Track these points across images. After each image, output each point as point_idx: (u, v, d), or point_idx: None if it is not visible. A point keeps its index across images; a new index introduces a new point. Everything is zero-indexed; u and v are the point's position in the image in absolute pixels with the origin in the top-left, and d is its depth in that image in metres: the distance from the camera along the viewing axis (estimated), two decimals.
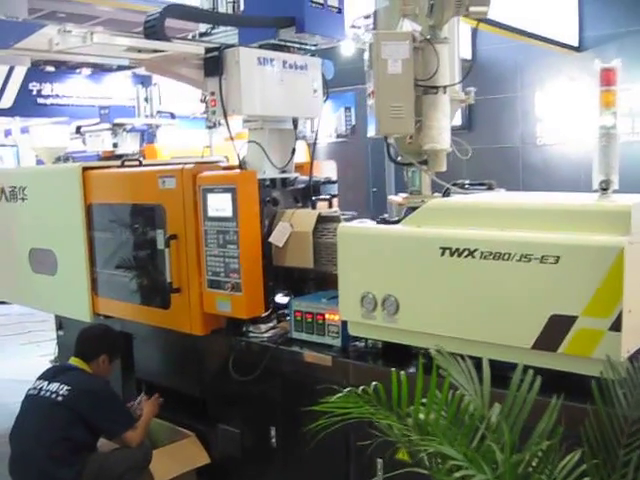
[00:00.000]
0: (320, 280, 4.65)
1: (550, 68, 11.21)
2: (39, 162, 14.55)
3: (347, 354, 3.94)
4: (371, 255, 3.64)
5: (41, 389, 4.27)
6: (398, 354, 3.78)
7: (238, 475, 4.60)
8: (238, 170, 4.43)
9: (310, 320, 4.10)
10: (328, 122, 13.51)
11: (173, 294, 4.48)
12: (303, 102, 4.59)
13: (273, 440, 4.28)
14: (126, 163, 5.22)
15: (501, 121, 12.01)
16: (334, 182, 4.91)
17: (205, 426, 4.72)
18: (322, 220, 4.35)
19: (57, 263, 5.44)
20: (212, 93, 4.27)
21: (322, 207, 4.69)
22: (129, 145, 11.32)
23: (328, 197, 4.72)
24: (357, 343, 4.02)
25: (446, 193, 4.07)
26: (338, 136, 13.81)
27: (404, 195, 4.07)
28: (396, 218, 3.99)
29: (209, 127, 4.85)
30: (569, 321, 2.99)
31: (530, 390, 2.27)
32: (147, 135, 11.89)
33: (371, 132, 3.73)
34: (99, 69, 20.73)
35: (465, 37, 12.35)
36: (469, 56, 12.54)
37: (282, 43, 4.55)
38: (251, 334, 4.37)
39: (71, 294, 5.37)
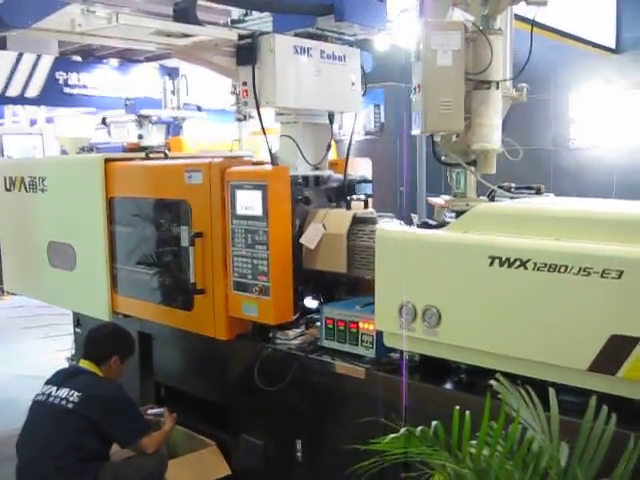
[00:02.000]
0: (352, 285, 4.39)
1: (585, 69, 10.87)
2: (63, 152, 14.40)
3: (381, 366, 3.66)
4: (412, 261, 3.37)
5: (50, 395, 4.02)
6: (436, 368, 3.52)
7: None
8: (269, 166, 4.15)
9: (342, 328, 3.83)
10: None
11: (197, 295, 4.23)
12: (340, 95, 4.30)
13: (299, 454, 4.01)
14: (151, 155, 4.98)
15: (533, 123, 11.68)
16: (369, 181, 4.62)
17: (227, 435, 4.46)
18: (357, 221, 4.08)
19: (76, 258, 5.20)
20: (244, 83, 4.00)
21: (357, 207, 4.40)
22: (154, 137, 11.10)
23: (364, 197, 4.42)
24: (392, 354, 3.75)
25: (491, 196, 3.80)
26: (366, 134, 13.52)
27: (447, 197, 3.79)
28: (437, 222, 3.75)
29: (239, 120, 4.59)
30: (631, 343, 2.71)
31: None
32: (173, 127, 11.69)
33: (416, 129, 3.46)
34: (126, 60, 20.61)
35: None
36: None
37: (319, 32, 4.26)
38: (278, 340, 4.12)
39: (90, 291, 5.14)
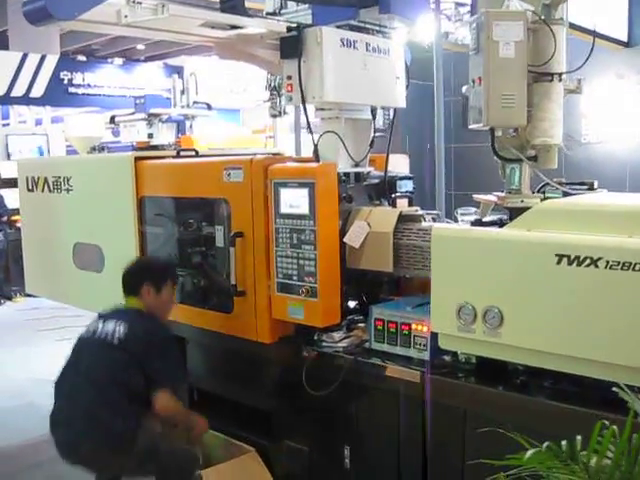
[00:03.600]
0: (395, 284, 4.28)
1: (597, 64, 10.73)
2: (69, 152, 14.25)
3: (436, 369, 3.53)
4: (471, 261, 3.25)
5: (95, 331, 3.86)
6: (492, 370, 3.39)
7: None
8: (315, 163, 4.02)
9: (393, 330, 3.70)
10: None
11: (237, 297, 4.09)
12: (386, 90, 4.17)
13: (347, 460, 3.89)
14: (182, 153, 4.85)
15: None
16: (411, 178, 4.50)
17: (268, 441, 4.30)
18: (403, 219, 3.96)
19: (104, 260, 5.07)
20: (289, 77, 3.86)
21: (401, 205, 4.27)
22: (165, 136, 10.98)
23: (409, 194, 4.29)
24: (444, 357, 3.62)
25: (542, 192, 3.68)
26: (376, 130, 13.37)
27: (499, 194, 3.67)
28: (491, 218, 3.64)
29: (273, 116, 4.45)
30: None
31: None
32: (181, 126, 11.58)
33: (474, 123, 3.33)
34: (130, 59, 20.51)
35: None
36: None
37: (361, 25, 4.13)
38: (324, 343, 3.97)
39: (119, 293, 4.99)
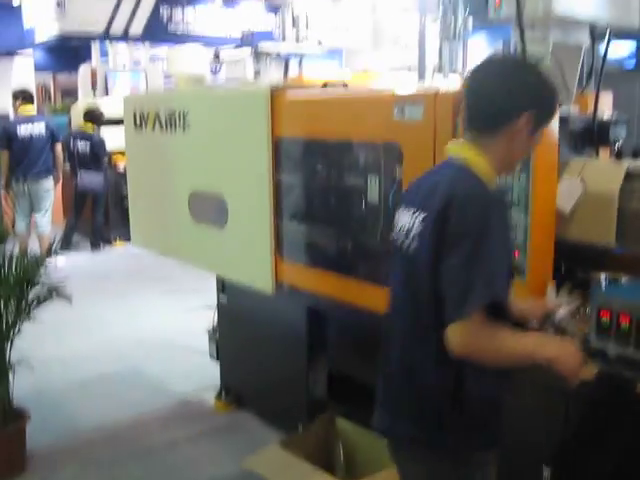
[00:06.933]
0: (598, 260, 3.33)
1: None
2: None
3: None
4: None
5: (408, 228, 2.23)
6: None
7: None
8: None
9: (626, 326, 2.74)
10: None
11: None
12: (621, 2, 3.14)
13: None
14: (329, 87, 3.97)
15: None
16: (626, 121, 3.47)
17: None
18: (630, 178, 2.99)
19: (228, 212, 4.24)
20: None
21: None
22: (272, 74, 10.16)
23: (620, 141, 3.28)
24: None
25: None
26: None
27: None
28: None
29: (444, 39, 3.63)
30: None
31: None
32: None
33: None
34: None
35: None
36: None
37: None
38: None
39: (246, 254, 4.19)
